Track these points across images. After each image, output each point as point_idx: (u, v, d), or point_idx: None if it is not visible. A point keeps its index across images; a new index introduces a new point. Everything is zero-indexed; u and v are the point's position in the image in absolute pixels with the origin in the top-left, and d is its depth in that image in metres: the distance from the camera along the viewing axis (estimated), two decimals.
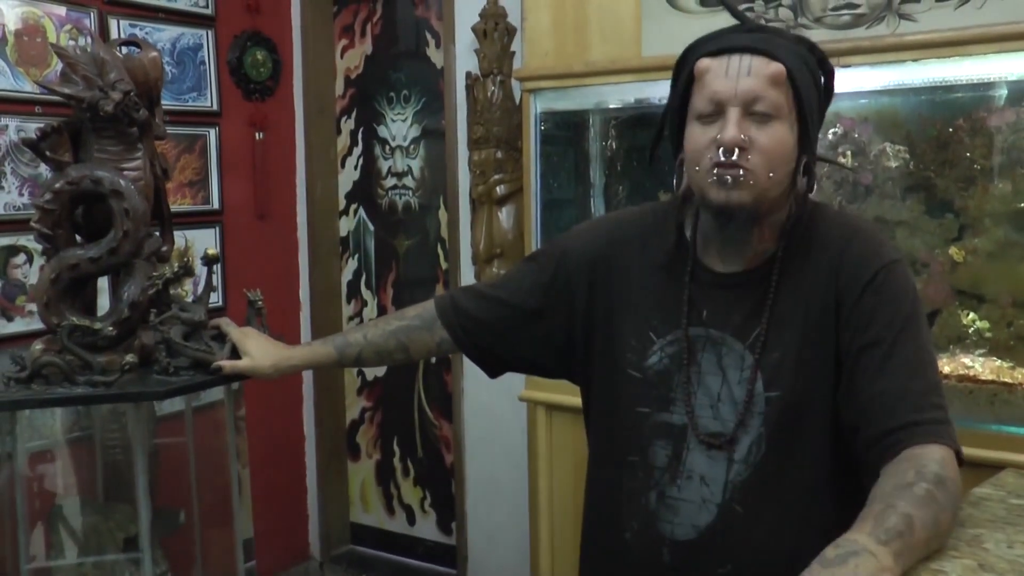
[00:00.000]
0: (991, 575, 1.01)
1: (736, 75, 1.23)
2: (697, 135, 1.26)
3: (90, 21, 2.78)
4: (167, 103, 1.79)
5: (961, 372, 1.88)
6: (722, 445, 1.28)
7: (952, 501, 1.11)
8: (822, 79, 1.31)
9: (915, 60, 1.84)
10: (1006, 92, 1.89)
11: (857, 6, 1.92)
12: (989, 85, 1.89)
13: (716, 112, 1.24)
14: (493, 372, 1.61)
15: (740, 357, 1.29)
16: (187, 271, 1.66)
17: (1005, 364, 1.87)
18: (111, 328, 1.62)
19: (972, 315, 1.91)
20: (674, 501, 1.31)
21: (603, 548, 1.42)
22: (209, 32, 3.14)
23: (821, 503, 1.27)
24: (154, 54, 1.72)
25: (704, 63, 1.26)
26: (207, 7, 3.13)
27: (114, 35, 2.83)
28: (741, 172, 1.21)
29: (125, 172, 1.65)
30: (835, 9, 1.95)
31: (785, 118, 1.23)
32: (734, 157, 1.21)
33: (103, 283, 1.84)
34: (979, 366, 1.88)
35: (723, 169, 1.22)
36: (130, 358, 1.60)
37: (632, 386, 1.37)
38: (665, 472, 1.32)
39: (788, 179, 1.26)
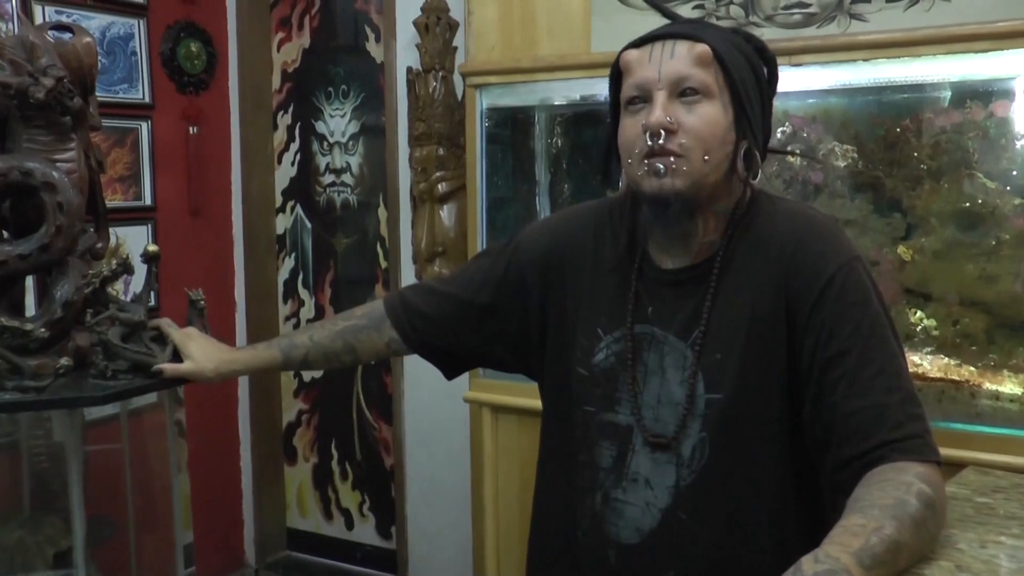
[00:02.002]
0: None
1: (660, 59, 1.21)
2: (627, 125, 1.24)
3: (11, 6, 2.64)
4: (97, 95, 1.70)
5: (910, 370, 1.88)
6: (666, 448, 1.24)
7: (939, 529, 1.09)
8: (764, 69, 1.28)
9: (866, 60, 1.84)
10: (951, 93, 1.91)
11: (808, 5, 1.92)
12: (935, 86, 1.91)
13: (644, 99, 1.22)
14: (449, 371, 1.58)
15: (682, 356, 1.25)
16: (126, 268, 1.58)
17: (952, 362, 1.89)
18: (43, 330, 1.53)
19: (919, 313, 1.92)
20: (619, 504, 1.27)
21: (555, 545, 1.38)
22: (141, 22, 3.03)
23: (771, 514, 1.22)
24: (88, 39, 1.63)
25: (629, 54, 1.25)
26: None
27: (39, 22, 2.70)
28: (672, 159, 1.18)
29: (58, 164, 1.56)
30: (786, 8, 1.95)
31: (716, 98, 1.20)
32: (661, 141, 1.18)
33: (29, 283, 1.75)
34: (927, 364, 1.90)
35: (654, 158, 1.19)
36: (64, 361, 1.51)
37: (580, 384, 1.34)
38: (611, 473, 1.29)
39: (726, 163, 1.22)
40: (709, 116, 1.20)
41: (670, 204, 1.20)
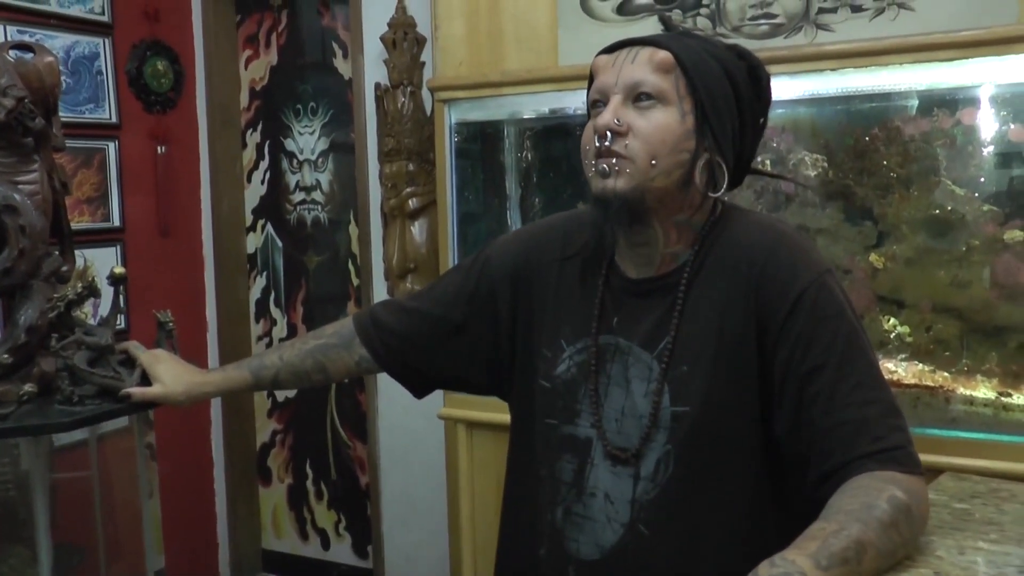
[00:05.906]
0: None
1: (621, 64, 1.22)
2: (587, 128, 1.24)
3: None
4: (62, 115, 1.67)
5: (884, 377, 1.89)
6: (627, 461, 1.21)
7: (915, 534, 1.07)
8: (752, 89, 1.26)
9: (833, 69, 1.85)
10: (918, 102, 1.93)
11: (775, 16, 1.92)
12: (903, 95, 1.93)
13: (604, 103, 1.22)
14: (418, 391, 1.55)
15: (647, 368, 1.22)
16: (92, 291, 1.55)
17: (926, 368, 1.89)
18: (6, 355, 1.50)
19: (893, 320, 1.93)
20: (580, 519, 1.25)
21: (517, 564, 1.35)
22: (106, 40, 3.00)
23: (739, 531, 1.19)
24: (50, 59, 1.60)
25: (598, 60, 1.26)
26: (103, 14, 2.99)
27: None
28: (615, 161, 1.18)
29: (20, 186, 1.54)
30: (753, 18, 1.95)
31: (672, 105, 1.19)
32: (607, 142, 1.18)
33: None
34: (902, 371, 1.90)
35: (600, 159, 1.19)
36: (28, 388, 1.48)
37: (542, 397, 1.32)
38: (572, 488, 1.26)
39: (679, 171, 1.20)
40: (660, 121, 1.19)
41: (611, 205, 1.19)
